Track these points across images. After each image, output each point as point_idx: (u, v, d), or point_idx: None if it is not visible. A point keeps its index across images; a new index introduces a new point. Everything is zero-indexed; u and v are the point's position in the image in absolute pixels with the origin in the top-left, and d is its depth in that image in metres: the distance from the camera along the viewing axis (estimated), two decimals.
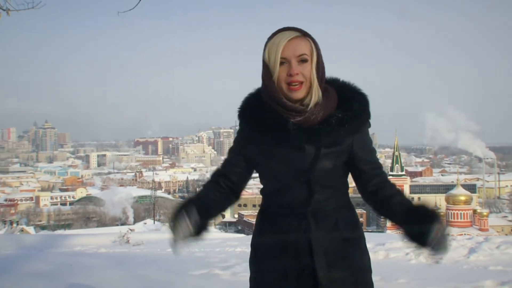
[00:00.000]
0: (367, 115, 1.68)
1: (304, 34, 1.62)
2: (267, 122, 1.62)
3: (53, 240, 12.67)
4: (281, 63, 1.59)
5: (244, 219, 68.53)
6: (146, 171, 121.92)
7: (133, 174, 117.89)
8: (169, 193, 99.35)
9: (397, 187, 1.73)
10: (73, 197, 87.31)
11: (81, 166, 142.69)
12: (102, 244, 11.16)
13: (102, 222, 69.47)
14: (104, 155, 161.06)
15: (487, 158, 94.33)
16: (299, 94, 1.60)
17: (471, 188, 67.48)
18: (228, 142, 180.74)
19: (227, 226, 70.82)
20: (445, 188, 65.97)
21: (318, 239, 1.63)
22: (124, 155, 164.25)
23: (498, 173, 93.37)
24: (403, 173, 59.88)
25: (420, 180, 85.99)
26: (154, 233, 22.48)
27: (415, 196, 71.12)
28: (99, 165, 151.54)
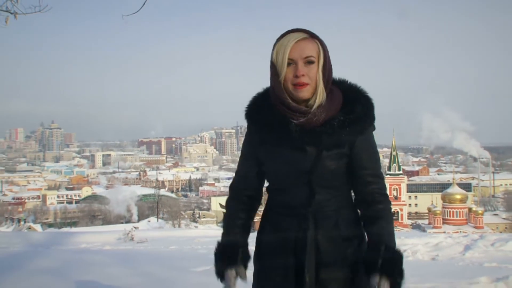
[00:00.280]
0: (371, 118, 1.65)
1: (312, 36, 1.60)
2: (270, 122, 1.61)
3: (60, 237, 12.66)
4: (288, 64, 1.57)
5: None
6: (149, 170, 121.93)
7: (137, 173, 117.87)
8: (172, 191, 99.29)
9: (387, 206, 1.67)
10: (79, 195, 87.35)
11: (86, 166, 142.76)
12: (107, 242, 11.16)
13: (107, 220, 69.49)
14: (109, 155, 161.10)
15: (482, 158, 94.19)
16: (305, 93, 1.58)
17: (467, 187, 67.41)
18: (230, 142, 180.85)
19: None
20: (441, 187, 65.99)
21: (314, 239, 1.62)
22: (129, 154, 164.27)
23: (493, 172, 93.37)
24: (401, 172, 59.70)
25: (417, 179, 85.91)
26: (157, 231, 22.47)
27: (412, 195, 71.37)
28: (104, 164, 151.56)
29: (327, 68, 1.61)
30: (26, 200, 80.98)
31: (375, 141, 1.71)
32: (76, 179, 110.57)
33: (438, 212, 52.94)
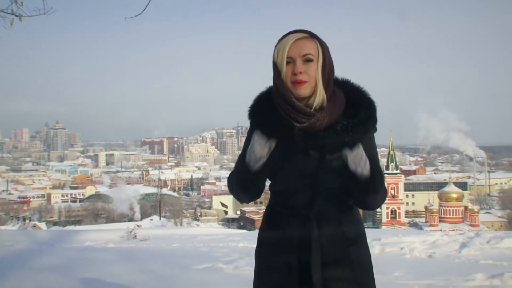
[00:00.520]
0: (374, 121, 1.64)
1: (312, 36, 1.60)
2: (273, 125, 1.59)
3: (64, 235, 12.67)
4: (288, 63, 1.57)
5: (246, 215, 68.60)
6: (152, 169, 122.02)
7: (140, 172, 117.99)
8: (174, 190, 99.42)
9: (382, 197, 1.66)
10: (82, 194, 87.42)
11: (90, 165, 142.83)
12: (111, 239, 11.16)
13: (111, 218, 69.64)
14: (112, 155, 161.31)
15: (478, 157, 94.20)
16: (303, 91, 1.56)
17: (463, 185, 67.43)
18: (231, 142, 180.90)
19: (229, 222, 70.91)
20: (438, 186, 65.98)
21: (318, 239, 1.61)
22: (131, 154, 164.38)
23: (488, 172, 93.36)
24: (398, 171, 59.75)
25: (414, 178, 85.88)
26: (160, 229, 22.50)
27: (410, 194, 71.38)
28: (107, 164, 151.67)
29: (326, 67, 1.60)
30: (31, 199, 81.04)
31: (375, 141, 1.70)
32: (80, 178, 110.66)
33: (434, 210, 52.98)
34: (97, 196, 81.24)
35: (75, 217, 70.23)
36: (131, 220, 61.17)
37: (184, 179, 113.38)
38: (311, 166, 1.60)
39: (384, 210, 57.50)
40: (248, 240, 10.19)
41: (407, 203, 66.87)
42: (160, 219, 61.32)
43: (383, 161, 58.70)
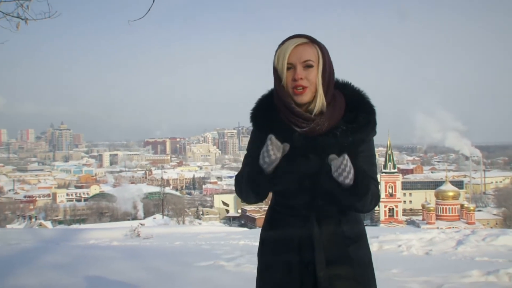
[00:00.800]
0: (373, 125, 1.63)
1: (312, 41, 1.59)
2: (274, 129, 1.58)
3: (69, 234, 12.68)
4: (288, 69, 1.56)
5: (247, 214, 68.60)
6: (155, 169, 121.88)
7: (143, 172, 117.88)
8: (176, 189, 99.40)
9: (375, 202, 1.63)
10: (87, 193, 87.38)
11: (94, 165, 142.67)
12: (115, 238, 11.17)
13: (114, 217, 69.59)
14: (116, 155, 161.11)
15: (474, 156, 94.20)
16: (304, 97, 1.56)
17: (459, 184, 67.30)
18: (232, 142, 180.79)
19: (231, 221, 70.86)
20: (435, 185, 65.93)
21: (319, 238, 1.61)
22: (135, 154, 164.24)
23: (484, 170, 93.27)
24: (395, 170, 59.73)
25: (411, 177, 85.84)
26: (163, 227, 22.53)
27: (407, 192, 71.33)
28: (111, 163, 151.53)
29: (326, 72, 1.59)
30: (37, 198, 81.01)
31: (374, 144, 1.69)
32: (85, 178, 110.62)
33: (431, 208, 52.94)
34: (101, 195, 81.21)
35: (80, 216, 70.20)
36: (134, 218, 61.09)
37: (186, 178, 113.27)
38: (311, 169, 1.59)
39: (382, 208, 57.53)
40: (249, 238, 10.20)
41: (404, 201, 66.85)
42: (163, 217, 61.23)
43: (381, 161, 58.75)
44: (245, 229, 24.41)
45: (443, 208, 52.85)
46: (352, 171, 1.49)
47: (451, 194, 53.00)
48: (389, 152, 58.89)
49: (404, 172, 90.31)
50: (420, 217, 57.02)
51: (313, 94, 1.57)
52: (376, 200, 1.62)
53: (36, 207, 76.30)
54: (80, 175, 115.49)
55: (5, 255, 6.40)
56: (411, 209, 70.18)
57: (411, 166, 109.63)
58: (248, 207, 68.14)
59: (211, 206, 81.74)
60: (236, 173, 1.80)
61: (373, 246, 7.44)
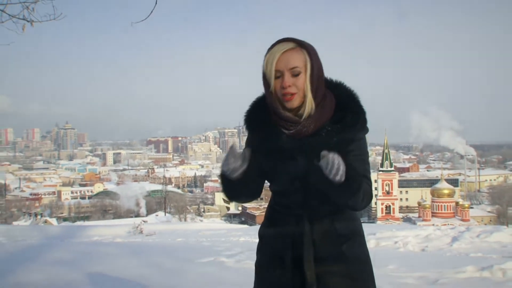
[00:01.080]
0: (361, 124, 1.60)
1: (301, 45, 1.56)
2: (264, 132, 1.61)
3: (74, 230, 12.69)
4: (277, 77, 1.55)
5: (247, 211, 68.59)
6: (157, 167, 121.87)
7: (146, 170, 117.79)
8: (178, 187, 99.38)
9: (367, 200, 1.59)
10: (91, 191, 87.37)
11: (98, 163, 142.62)
12: (118, 234, 11.19)
13: (118, 214, 69.52)
14: (120, 153, 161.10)
15: (468, 155, 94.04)
16: (293, 103, 1.56)
17: (454, 182, 67.34)
18: (232, 141, 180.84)
19: (231, 218, 70.86)
20: (430, 183, 65.85)
21: (310, 236, 1.60)
22: (138, 153, 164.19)
23: (478, 169, 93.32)
24: (392, 169, 59.75)
25: (407, 175, 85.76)
26: (165, 224, 22.52)
27: (403, 190, 71.33)
28: (115, 162, 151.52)
29: (315, 76, 1.56)
30: (43, 196, 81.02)
31: (366, 143, 1.66)
32: (89, 176, 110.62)
33: (427, 206, 52.93)
34: (105, 193, 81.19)
35: (84, 213, 70.20)
36: (137, 216, 61.04)
37: (188, 176, 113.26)
38: (300, 170, 1.58)
39: (379, 206, 57.55)
40: (249, 234, 10.21)
41: (401, 199, 66.80)
42: (165, 215, 61.20)
43: (378, 159, 58.73)
44: (246, 226, 24.44)
45: (438, 205, 52.83)
46: (342, 167, 1.46)
47: (446, 192, 52.97)
48: (386, 151, 58.87)
49: (401, 170, 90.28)
50: (416, 214, 56.98)
51: (301, 99, 1.56)
52: (368, 198, 1.59)
53: (41, 204, 76.27)
54: (84, 173, 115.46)
55: (11, 252, 6.41)
56: (407, 207, 70.18)
57: (407, 165, 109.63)
58: (249, 205, 68.12)
59: (212, 204, 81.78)
60: None
61: (370, 243, 7.45)
